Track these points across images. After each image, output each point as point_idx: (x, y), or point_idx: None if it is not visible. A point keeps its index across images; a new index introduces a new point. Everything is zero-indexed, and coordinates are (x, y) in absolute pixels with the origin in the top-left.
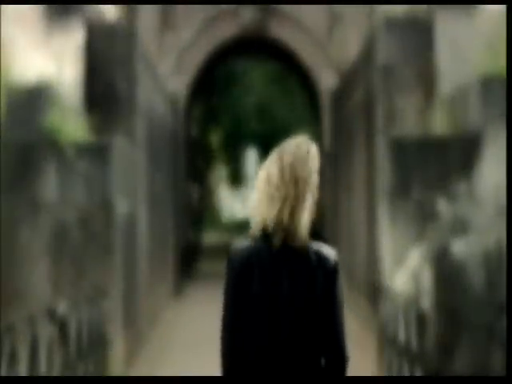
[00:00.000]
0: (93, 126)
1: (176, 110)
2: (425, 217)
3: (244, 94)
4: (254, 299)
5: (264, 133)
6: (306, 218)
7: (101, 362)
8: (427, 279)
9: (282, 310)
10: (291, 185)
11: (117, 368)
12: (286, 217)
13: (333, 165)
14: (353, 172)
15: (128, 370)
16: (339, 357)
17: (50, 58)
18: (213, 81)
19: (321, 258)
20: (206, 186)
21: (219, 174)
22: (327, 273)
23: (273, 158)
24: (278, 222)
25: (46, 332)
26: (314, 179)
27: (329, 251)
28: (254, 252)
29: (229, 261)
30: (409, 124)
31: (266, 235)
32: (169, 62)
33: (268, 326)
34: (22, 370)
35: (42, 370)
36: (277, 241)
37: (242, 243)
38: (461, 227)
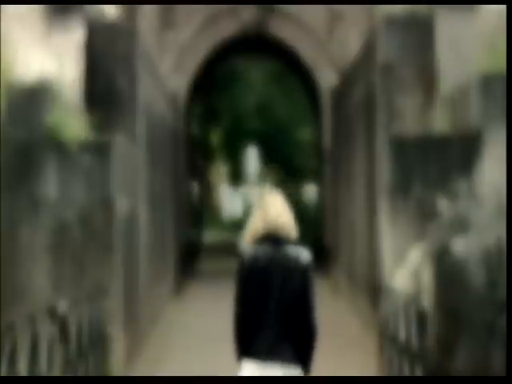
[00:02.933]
0: (93, 124)
1: (176, 108)
2: (425, 215)
3: (244, 92)
4: (255, 288)
5: (264, 131)
6: (291, 233)
7: (101, 361)
8: (427, 278)
9: (274, 296)
10: (275, 219)
11: (117, 367)
12: (275, 231)
13: (333, 164)
14: (353, 171)
15: (128, 370)
16: (310, 329)
17: (50, 57)
18: (213, 79)
19: (299, 259)
20: (206, 184)
21: (219, 172)
22: (303, 270)
23: (260, 202)
24: (270, 234)
25: (47, 331)
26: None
27: (304, 253)
28: (255, 255)
29: (240, 262)
30: (409, 123)
31: (262, 243)
32: (169, 61)
33: (264, 307)
34: (22, 370)
35: (43, 369)
36: (269, 247)
37: (248, 249)
38: (461, 226)
